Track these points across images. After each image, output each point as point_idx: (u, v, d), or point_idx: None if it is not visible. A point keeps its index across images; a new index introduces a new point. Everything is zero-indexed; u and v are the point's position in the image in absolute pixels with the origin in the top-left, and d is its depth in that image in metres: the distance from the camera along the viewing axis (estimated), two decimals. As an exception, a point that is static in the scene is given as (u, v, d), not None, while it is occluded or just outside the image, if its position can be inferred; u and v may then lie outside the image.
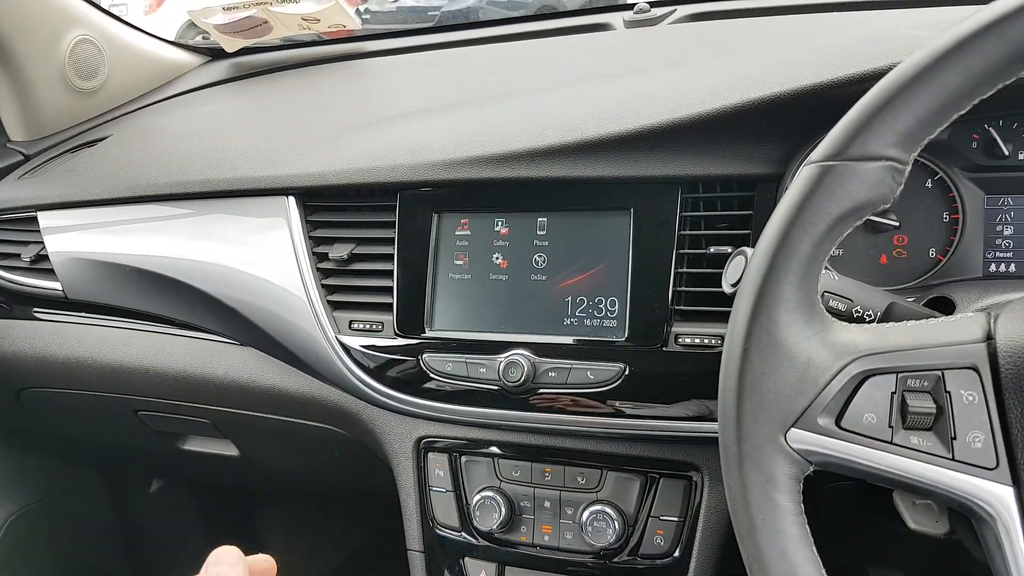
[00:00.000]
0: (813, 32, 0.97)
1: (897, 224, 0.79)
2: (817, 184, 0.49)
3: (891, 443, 0.50)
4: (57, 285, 1.16)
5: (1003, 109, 0.77)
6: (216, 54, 1.57)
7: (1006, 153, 0.77)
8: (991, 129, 0.78)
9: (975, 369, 0.49)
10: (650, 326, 0.81)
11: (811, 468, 0.51)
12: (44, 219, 1.17)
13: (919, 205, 0.80)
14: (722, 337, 0.78)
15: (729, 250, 0.78)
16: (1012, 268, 0.79)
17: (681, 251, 0.81)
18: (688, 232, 0.81)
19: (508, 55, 1.24)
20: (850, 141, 0.49)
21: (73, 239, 1.14)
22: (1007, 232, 0.79)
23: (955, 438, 0.49)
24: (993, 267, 0.79)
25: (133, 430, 1.26)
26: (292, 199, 0.97)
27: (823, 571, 0.50)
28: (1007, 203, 0.79)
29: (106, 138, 1.28)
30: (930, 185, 0.80)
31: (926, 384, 0.50)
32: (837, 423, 0.50)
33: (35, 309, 1.23)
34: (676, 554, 0.85)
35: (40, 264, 1.18)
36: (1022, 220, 0.78)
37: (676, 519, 0.85)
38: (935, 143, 0.78)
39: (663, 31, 1.16)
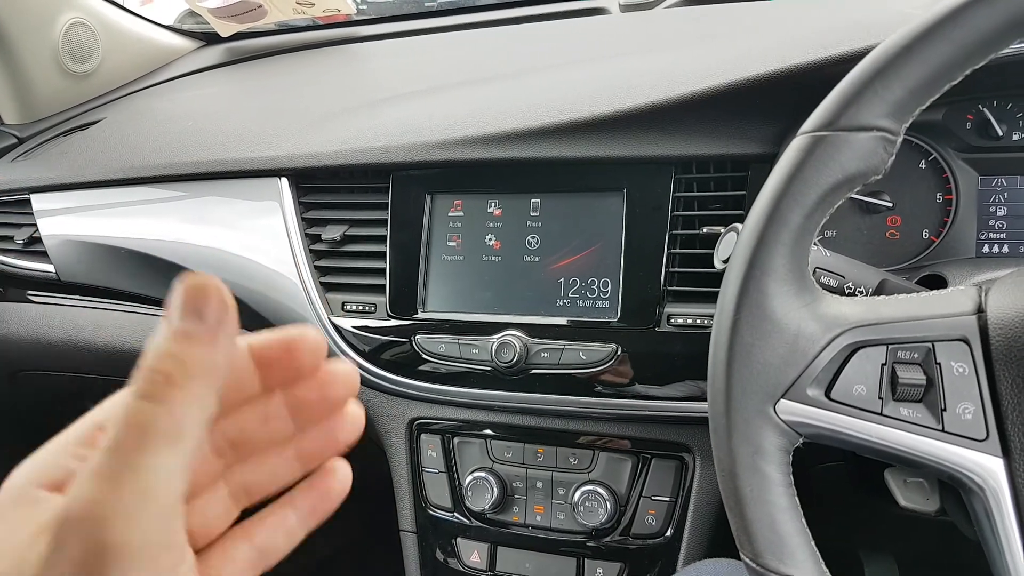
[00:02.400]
0: (809, 15, 0.96)
1: (890, 205, 0.80)
2: (808, 154, 0.49)
3: (881, 414, 0.49)
4: (50, 267, 1.15)
5: (997, 90, 0.77)
6: (210, 39, 1.56)
7: (1000, 134, 0.77)
8: (985, 110, 0.77)
9: (966, 341, 0.49)
10: (642, 307, 0.81)
11: (800, 440, 0.51)
12: (37, 201, 1.16)
13: (913, 186, 0.80)
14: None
15: (722, 230, 0.78)
16: (1005, 249, 0.79)
17: (674, 232, 0.81)
18: (681, 213, 0.81)
19: (503, 39, 1.23)
20: (841, 111, 0.48)
21: (66, 221, 1.13)
22: (1000, 213, 0.79)
23: (945, 409, 0.48)
24: (986, 248, 0.79)
25: (127, 414, 1.26)
26: (285, 180, 0.97)
27: (812, 542, 0.49)
28: (1000, 184, 0.79)
29: (99, 121, 1.28)
30: (924, 166, 0.80)
31: (916, 356, 0.49)
32: (827, 394, 0.50)
33: (29, 291, 1.23)
34: (668, 534, 0.85)
35: (33, 246, 1.17)
36: (1015, 201, 0.78)
37: (668, 499, 0.85)
38: (929, 124, 0.78)
39: (659, 15, 1.16)
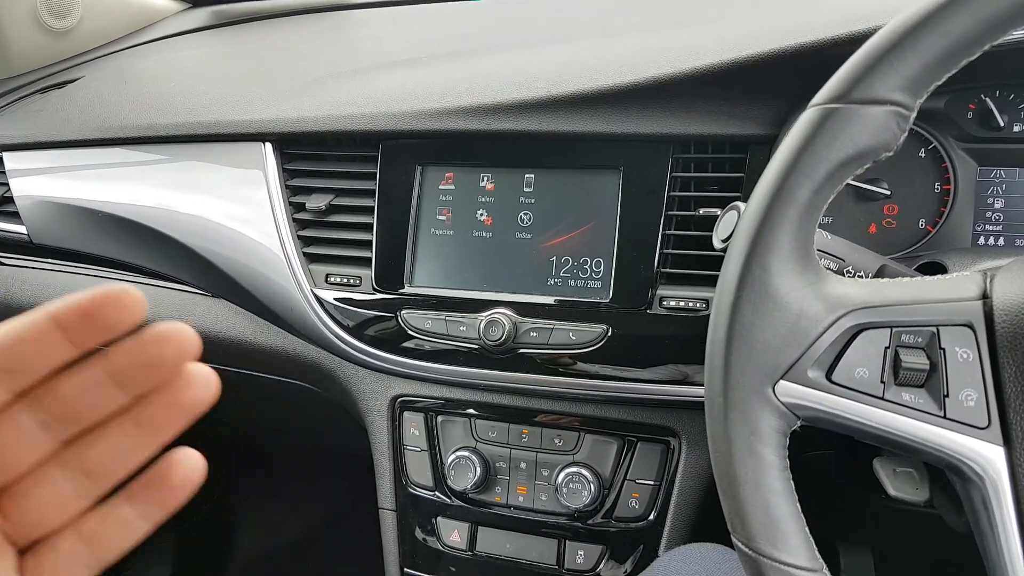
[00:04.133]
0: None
1: (888, 193, 0.79)
2: (819, 127, 0.47)
3: (882, 399, 0.48)
4: (22, 228, 1.11)
5: (1000, 79, 0.76)
6: (197, 1, 1.52)
7: (1001, 124, 0.76)
8: (987, 99, 0.76)
9: (970, 327, 0.48)
10: (635, 288, 0.79)
11: (798, 423, 0.50)
12: (9, 160, 1.12)
13: (911, 174, 0.79)
14: (708, 301, 0.77)
15: (718, 213, 0.77)
16: (1000, 241, 0.78)
17: (670, 213, 0.79)
18: (678, 193, 0.80)
19: (500, 10, 1.21)
20: (855, 83, 0.47)
21: (39, 182, 1.09)
22: (997, 205, 0.78)
23: (947, 396, 0.47)
24: (981, 240, 0.78)
25: (98, 383, 1.23)
26: (269, 146, 0.94)
27: (806, 527, 0.48)
28: (999, 175, 0.78)
29: (78, 80, 1.23)
30: (923, 155, 0.79)
31: (920, 340, 0.48)
32: (827, 377, 0.49)
33: (-2, 254, 1.19)
34: (651, 517, 0.84)
35: (4, 206, 1.13)
36: (1013, 193, 0.78)
37: (652, 483, 0.84)
38: (930, 111, 0.77)
39: (659, -7, 1.14)
